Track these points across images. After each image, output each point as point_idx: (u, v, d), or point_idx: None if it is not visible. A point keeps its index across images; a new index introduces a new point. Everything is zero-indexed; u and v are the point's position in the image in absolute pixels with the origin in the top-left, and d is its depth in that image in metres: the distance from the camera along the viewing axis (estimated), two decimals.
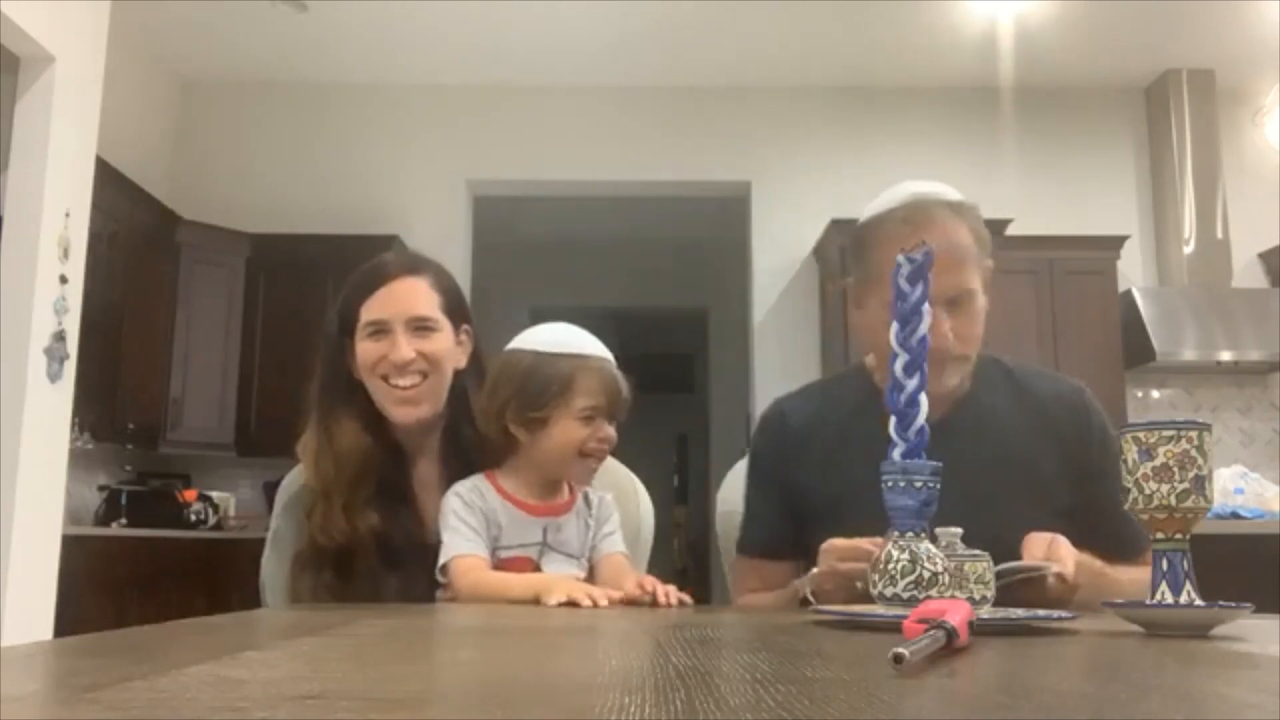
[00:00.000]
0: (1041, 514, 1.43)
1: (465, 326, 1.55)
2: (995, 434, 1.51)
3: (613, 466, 1.66)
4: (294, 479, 1.56)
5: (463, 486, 1.41)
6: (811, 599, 1.35)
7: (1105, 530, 1.45)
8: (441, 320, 1.50)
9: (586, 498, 1.48)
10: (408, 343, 1.46)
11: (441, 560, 1.36)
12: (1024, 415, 1.53)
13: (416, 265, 1.53)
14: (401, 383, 1.47)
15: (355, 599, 1.40)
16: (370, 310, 1.48)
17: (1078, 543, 1.39)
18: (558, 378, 1.39)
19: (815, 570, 1.33)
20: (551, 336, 1.44)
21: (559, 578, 1.33)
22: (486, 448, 1.49)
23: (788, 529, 1.56)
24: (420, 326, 1.48)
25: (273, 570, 1.51)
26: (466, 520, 1.37)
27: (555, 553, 1.41)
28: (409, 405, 1.48)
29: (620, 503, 1.57)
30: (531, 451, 1.41)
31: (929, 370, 1.33)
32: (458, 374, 1.53)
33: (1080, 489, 1.49)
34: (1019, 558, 1.27)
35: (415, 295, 1.50)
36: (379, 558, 1.43)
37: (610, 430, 1.41)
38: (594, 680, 0.58)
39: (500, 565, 1.38)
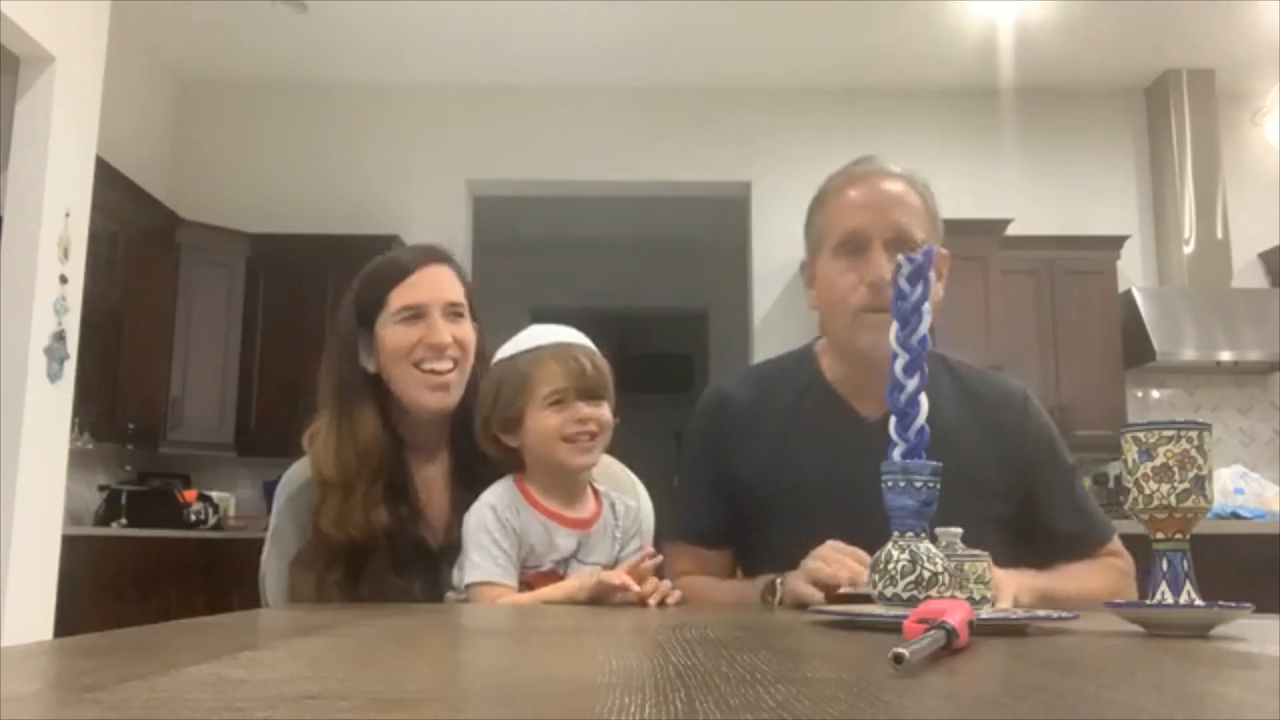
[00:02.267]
0: (980, 512, 1.42)
1: (475, 323, 1.55)
2: (937, 430, 1.51)
3: (612, 466, 1.63)
4: (296, 474, 1.53)
5: (499, 501, 1.37)
6: (778, 590, 1.34)
7: (1043, 532, 1.47)
8: (466, 309, 1.51)
9: (614, 507, 1.45)
10: (445, 326, 1.46)
11: (468, 579, 1.34)
12: (967, 414, 1.50)
13: (442, 255, 1.54)
14: (438, 367, 1.45)
15: (362, 598, 1.38)
16: (403, 295, 1.47)
17: (1015, 544, 1.39)
18: (517, 375, 1.39)
19: (798, 572, 1.31)
20: (514, 342, 1.44)
21: (578, 578, 1.32)
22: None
23: (724, 517, 1.54)
24: (454, 312, 1.49)
25: (273, 567, 1.48)
26: (499, 543, 1.34)
27: (582, 564, 1.39)
28: (442, 391, 1.46)
29: None
30: (526, 454, 1.40)
31: (875, 320, 1.34)
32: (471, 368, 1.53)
33: (1020, 491, 1.48)
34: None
35: (446, 281, 1.50)
36: (387, 556, 1.42)
37: (588, 409, 1.37)
38: (594, 680, 0.58)
39: (528, 581, 1.35)
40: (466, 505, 1.39)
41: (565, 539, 1.38)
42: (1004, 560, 1.39)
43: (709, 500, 1.56)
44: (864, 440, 1.27)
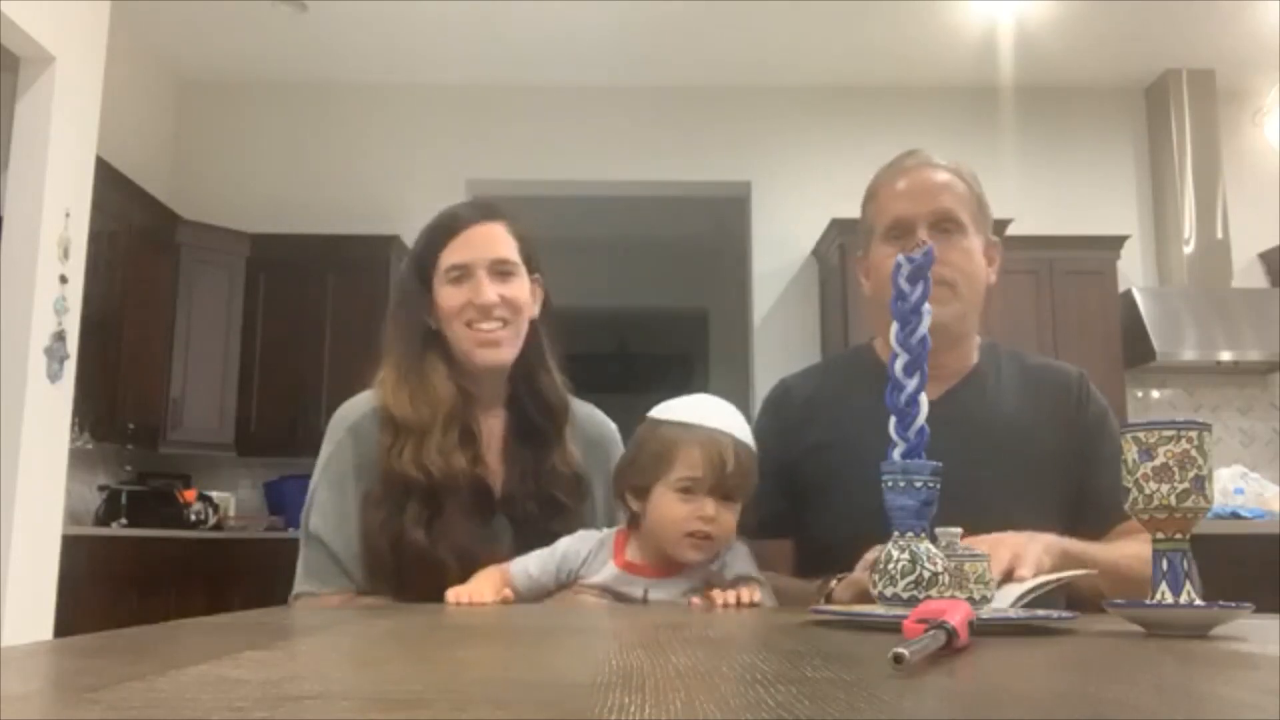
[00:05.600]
0: (1037, 489, 1.46)
1: (536, 275, 1.56)
2: (997, 409, 1.53)
3: (590, 416, 1.63)
4: (357, 405, 1.52)
5: (580, 547, 1.37)
6: (832, 586, 1.33)
7: (1091, 500, 1.48)
8: (519, 265, 1.51)
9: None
10: (490, 286, 1.46)
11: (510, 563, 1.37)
12: (1025, 393, 1.55)
13: (493, 211, 1.54)
14: (485, 326, 1.46)
15: (435, 536, 1.39)
16: (451, 255, 1.48)
17: (1069, 519, 1.42)
18: (658, 446, 1.34)
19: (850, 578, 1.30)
20: (676, 405, 1.39)
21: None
22: (554, 402, 1.51)
23: (784, 505, 1.56)
24: (501, 270, 1.48)
25: (322, 496, 1.46)
26: (550, 553, 1.36)
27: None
28: (491, 348, 1.47)
29: (598, 453, 1.56)
30: (645, 522, 1.36)
31: None
32: (532, 323, 1.53)
33: (1075, 467, 1.51)
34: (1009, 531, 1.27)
35: (495, 239, 1.50)
36: (465, 499, 1.43)
37: (713, 509, 1.30)
38: (594, 680, 0.58)
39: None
40: (521, 459, 1.44)
41: (631, 584, 1.34)
42: (1059, 533, 1.41)
43: (768, 490, 1.59)
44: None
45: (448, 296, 1.47)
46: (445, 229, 1.51)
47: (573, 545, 1.38)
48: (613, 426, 1.66)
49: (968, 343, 1.57)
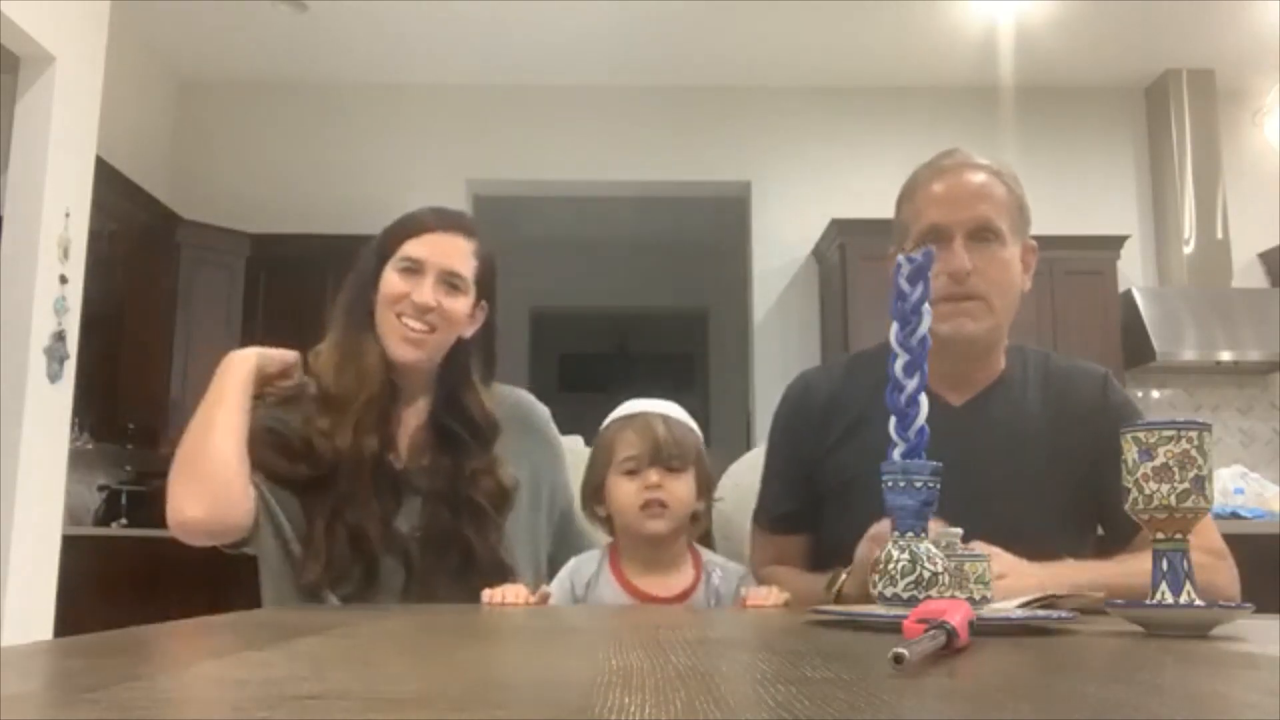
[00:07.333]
0: (1063, 494, 1.45)
1: (484, 301, 1.59)
2: (1023, 414, 1.51)
3: (514, 401, 1.68)
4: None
5: (579, 570, 1.46)
6: (841, 578, 1.33)
7: (1112, 507, 1.46)
8: (469, 284, 1.55)
9: (710, 579, 1.46)
10: (433, 291, 1.50)
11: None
12: (1050, 397, 1.53)
13: (467, 226, 1.58)
14: (412, 324, 1.50)
15: (329, 510, 1.44)
16: (410, 248, 1.52)
17: (1087, 532, 1.42)
18: (602, 444, 1.48)
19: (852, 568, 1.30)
20: (616, 409, 1.51)
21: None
22: (478, 418, 1.55)
23: (801, 503, 1.56)
24: (450, 282, 1.52)
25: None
26: (560, 588, 1.45)
27: None
28: (411, 346, 1.51)
29: (525, 440, 1.61)
30: (615, 522, 1.47)
31: (954, 309, 1.34)
32: (463, 340, 1.57)
33: (1097, 470, 1.47)
34: (1036, 542, 1.27)
35: (456, 251, 1.54)
36: (368, 481, 1.46)
37: (657, 477, 1.41)
38: (594, 680, 0.58)
39: None
40: (436, 455, 1.50)
41: None
42: (1078, 546, 1.39)
43: (784, 487, 1.59)
44: (948, 425, 1.24)
45: (391, 283, 1.51)
46: (415, 222, 1.55)
47: (577, 569, 1.47)
48: (541, 409, 1.71)
49: (996, 350, 1.55)
